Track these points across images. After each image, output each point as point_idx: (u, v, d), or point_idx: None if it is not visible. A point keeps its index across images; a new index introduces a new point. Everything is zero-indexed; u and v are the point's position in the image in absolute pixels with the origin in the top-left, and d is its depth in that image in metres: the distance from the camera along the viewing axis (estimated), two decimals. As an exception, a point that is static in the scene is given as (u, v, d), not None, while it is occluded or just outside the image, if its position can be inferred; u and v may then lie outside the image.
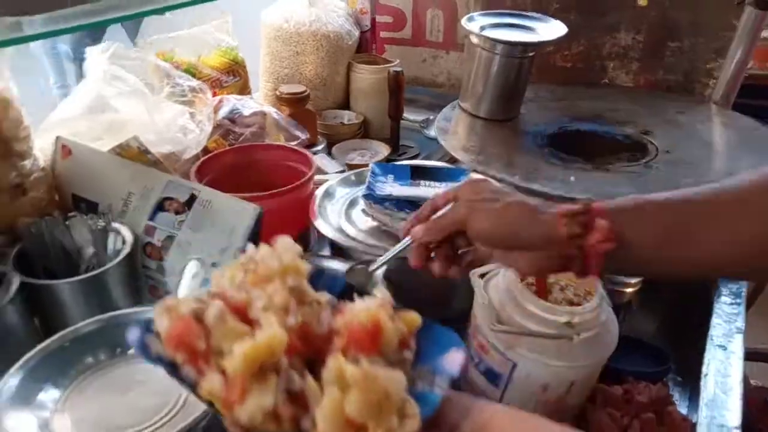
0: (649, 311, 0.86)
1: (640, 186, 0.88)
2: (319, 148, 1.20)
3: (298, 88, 1.17)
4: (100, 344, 0.52)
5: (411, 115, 1.43)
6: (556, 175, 0.93)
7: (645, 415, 0.62)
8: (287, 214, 0.86)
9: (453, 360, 0.29)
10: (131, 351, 0.53)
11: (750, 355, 1.22)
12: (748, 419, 0.59)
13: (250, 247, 0.34)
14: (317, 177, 0.98)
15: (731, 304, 0.75)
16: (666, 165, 0.96)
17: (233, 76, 1.22)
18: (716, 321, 0.72)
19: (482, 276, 0.69)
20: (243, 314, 0.29)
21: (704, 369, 0.66)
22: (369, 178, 0.84)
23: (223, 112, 1.01)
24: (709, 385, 0.62)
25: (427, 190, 0.83)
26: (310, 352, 0.28)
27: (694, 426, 0.62)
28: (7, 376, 0.46)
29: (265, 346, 0.26)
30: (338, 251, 0.81)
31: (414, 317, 0.31)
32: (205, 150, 0.97)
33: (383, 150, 1.24)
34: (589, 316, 0.59)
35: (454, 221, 0.52)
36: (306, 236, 0.91)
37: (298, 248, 0.34)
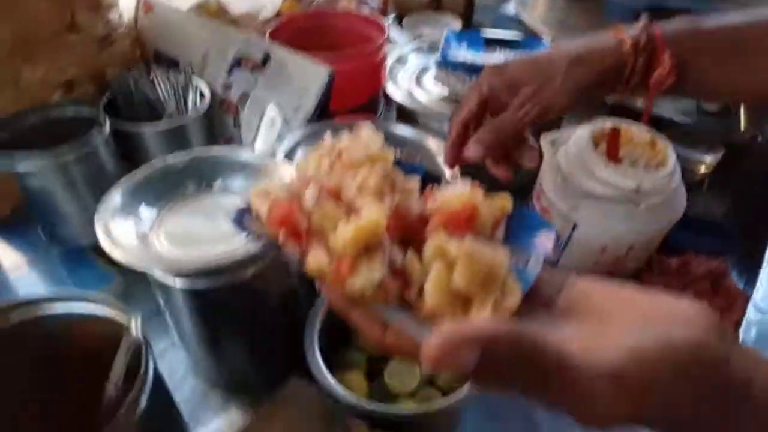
0: (720, 192, 0.83)
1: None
2: (390, 18, 1.17)
3: (371, -46, 1.12)
4: (187, 177, 0.56)
5: (486, -10, 1.35)
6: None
7: (699, 285, 0.63)
8: (358, 79, 0.86)
9: (544, 241, 0.30)
10: (216, 185, 0.57)
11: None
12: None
13: (327, 135, 0.35)
14: (391, 46, 0.97)
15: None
16: None
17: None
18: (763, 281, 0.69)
19: (552, 143, 0.69)
20: (337, 197, 0.30)
21: (772, 248, 0.64)
22: (443, 44, 0.82)
23: (295, -26, 0.99)
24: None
25: (501, 56, 0.81)
26: (404, 234, 0.29)
27: (748, 299, 0.62)
28: (112, 190, 0.52)
29: (370, 224, 0.27)
30: (405, 117, 0.82)
31: (505, 200, 0.31)
32: (279, 14, 0.96)
33: (455, 24, 1.20)
34: (659, 182, 0.58)
35: (472, 87, 0.52)
36: (375, 102, 0.92)
37: (382, 137, 0.35)
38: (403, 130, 0.79)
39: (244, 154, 0.59)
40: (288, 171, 0.57)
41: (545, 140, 0.70)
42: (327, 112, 0.83)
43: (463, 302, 0.26)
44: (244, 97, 0.80)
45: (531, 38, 0.86)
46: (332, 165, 0.32)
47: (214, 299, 0.53)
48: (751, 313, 0.55)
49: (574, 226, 0.61)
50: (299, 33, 0.94)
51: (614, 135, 0.65)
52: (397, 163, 0.33)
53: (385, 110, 0.95)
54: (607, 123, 0.68)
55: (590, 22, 0.99)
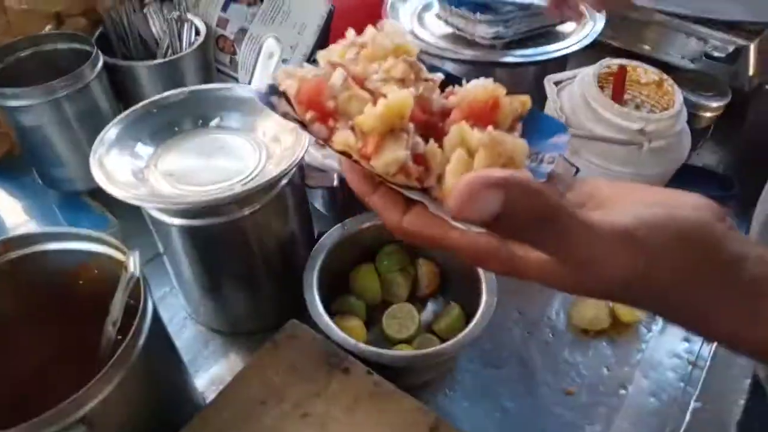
0: (725, 140, 0.82)
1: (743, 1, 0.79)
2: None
3: None
4: (183, 113, 0.55)
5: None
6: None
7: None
8: (357, 15, 0.83)
9: (559, 141, 0.31)
10: (213, 123, 0.56)
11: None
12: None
13: (349, 30, 0.34)
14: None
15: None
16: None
17: None
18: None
19: (556, 84, 0.67)
20: (361, 85, 0.30)
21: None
22: (445, -21, 0.79)
23: None
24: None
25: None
26: (426, 125, 0.29)
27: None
28: (108, 127, 0.51)
29: (398, 105, 0.28)
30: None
31: (526, 99, 0.31)
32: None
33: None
34: (664, 124, 0.57)
35: None
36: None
37: (405, 31, 0.34)
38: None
39: (241, 90, 0.58)
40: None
41: (549, 81, 0.68)
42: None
43: None
44: (241, 33, 0.77)
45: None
46: (357, 56, 0.32)
47: (212, 238, 0.53)
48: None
49: (576, 171, 0.60)
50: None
51: (620, 74, 0.63)
52: (420, 61, 0.33)
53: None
54: (614, 61, 0.67)
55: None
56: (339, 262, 0.60)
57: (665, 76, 0.62)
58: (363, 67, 0.31)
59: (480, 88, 0.29)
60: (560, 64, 0.76)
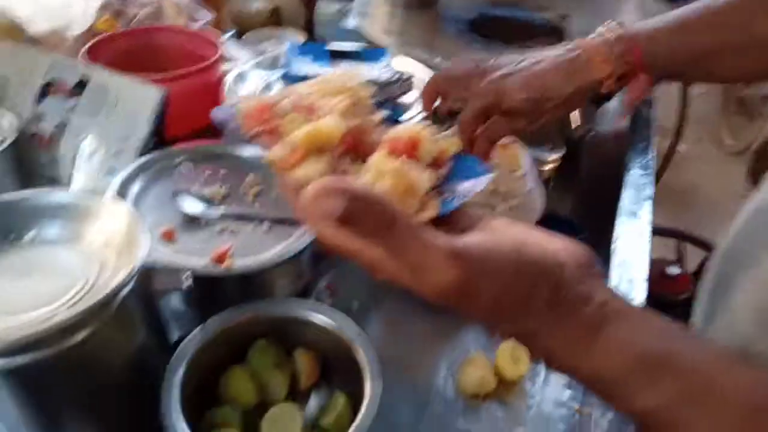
0: (568, 187, 0.89)
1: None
2: (228, 35, 1.10)
3: (200, -34, 1.05)
4: (-12, 231, 0.46)
5: (326, 4, 1.34)
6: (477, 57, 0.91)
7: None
8: (195, 100, 0.79)
9: (475, 184, 0.34)
10: (27, 237, 0.47)
11: (654, 231, 1.33)
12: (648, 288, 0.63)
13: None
14: (228, 66, 0.90)
15: (642, 175, 0.78)
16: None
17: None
18: (627, 191, 0.76)
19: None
20: (310, 113, 0.35)
21: (615, 234, 0.69)
22: (285, 58, 0.78)
23: (113, -12, 0.88)
24: (619, 249, 0.66)
25: (347, 68, 0.79)
26: (359, 153, 0.34)
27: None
28: None
29: (325, 129, 0.33)
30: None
31: (453, 142, 0.35)
32: (95, 33, 0.85)
33: (298, 38, 1.16)
34: (515, 184, 0.59)
35: (486, 106, 0.57)
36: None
37: (364, 78, 0.43)
38: (253, 152, 0.74)
39: (61, 196, 0.50)
40: (121, 210, 0.49)
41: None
42: (163, 139, 0.75)
43: None
44: (60, 128, 0.69)
45: (374, 49, 0.85)
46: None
47: (41, 377, 0.44)
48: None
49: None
50: (122, 53, 0.84)
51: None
52: (379, 102, 0.42)
53: (236, 131, 0.88)
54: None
55: (428, 32, 1.01)
56: (204, 369, 0.53)
57: (510, 138, 0.66)
58: (315, 99, 0.36)
59: (405, 128, 0.34)
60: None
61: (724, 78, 0.67)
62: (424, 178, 0.32)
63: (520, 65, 0.59)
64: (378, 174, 0.31)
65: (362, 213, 0.25)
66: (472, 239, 0.28)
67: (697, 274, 1.24)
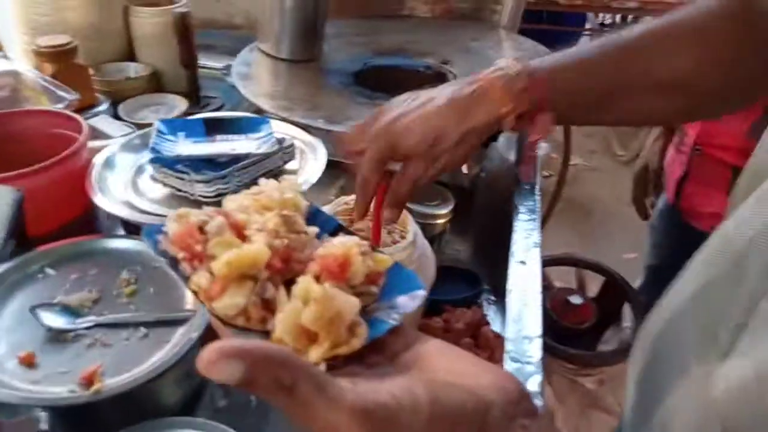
0: (461, 237, 0.90)
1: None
2: (101, 108, 1.03)
3: (61, 39, 0.98)
4: None
5: (210, 62, 1.30)
6: (361, 113, 0.91)
7: (463, 341, 0.65)
8: (60, 193, 0.73)
9: (409, 301, 0.34)
10: None
11: (552, 262, 1.37)
12: (552, 320, 0.64)
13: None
14: (100, 143, 0.84)
15: (528, 220, 0.80)
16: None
17: (-29, 29, 0.99)
18: (516, 237, 0.77)
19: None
20: (240, 232, 0.34)
21: (509, 285, 0.70)
22: (154, 138, 0.74)
23: (-43, 75, 0.81)
24: (513, 301, 0.66)
25: (225, 145, 0.75)
26: (289, 272, 0.33)
27: (503, 341, 0.66)
28: None
29: (248, 256, 0.31)
30: (133, 228, 0.71)
31: (385, 259, 0.35)
32: (-61, 126, 0.77)
33: (181, 104, 1.12)
34: (403, 254, 0.58)
35: (381, 152, 0.54)
36: (91, 214, 0.79)
37: (301, 187, 0.40)
38: (128, 244, 0.69)
39: None
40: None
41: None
42: (24, 241, 0.68)
43: (309, 337, 0.30)
44: None
45: (256, 118, 0.83)
46: (249, 204, 0.37)
47: None
48: (507, 363, 0.57)
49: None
50: (-28, 147, 0.76)
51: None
52: (315, 212, 0.39)
53: (109, 220, 0.82)
54: (350, 198, 0.68)
55: (312, 89, 1.00)
56: None
57: None
58: (246, 216, 0.35)
59: (335, 246, 0.33)
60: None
61: (622, 120, 0.67)
62: (351, 305, 0.31)
63: (413, 104, 0.56)
64: (303, 302, 0.30)
65: (261, 376, 0.24)
66: (383, 391, 0.26)
67: (599, 299, 1.29)
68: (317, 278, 0.32)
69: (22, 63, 0.93)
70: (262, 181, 0.40)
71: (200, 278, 0.32)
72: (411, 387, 0.27)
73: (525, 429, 0.28)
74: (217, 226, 0.34)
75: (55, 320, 0.57)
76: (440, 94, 0.56)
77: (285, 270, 0.33)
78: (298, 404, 0.25)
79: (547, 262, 0.73)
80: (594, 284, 1.37)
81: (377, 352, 0.31)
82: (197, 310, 0.59)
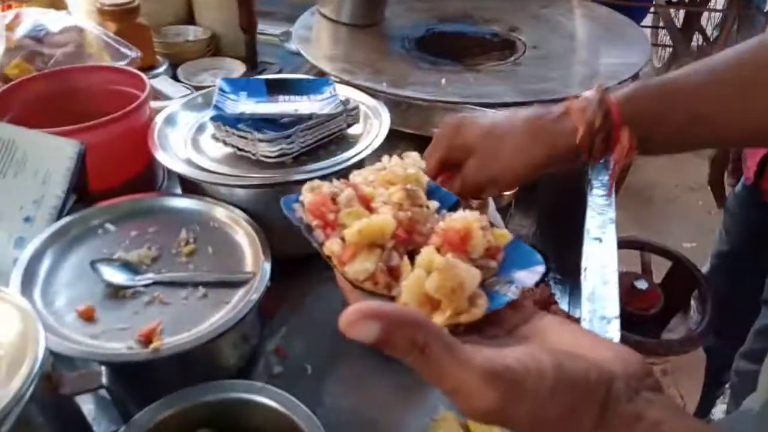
0: (528, 213, 0.85)
1: (512, 82, 0.84)
2: (161, 70, 1.03)
3: (124, -2, 0.98)
4: None
5: (269, 28, 1.28)
6: (426, 79, 0.86)
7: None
8: (121, 149, 0.72)
9: (528, 276, 0.35)
10: None
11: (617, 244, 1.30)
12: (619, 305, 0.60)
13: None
14: (160, 104, 0.83)
15: (602, 195, 0.74)
16: (534, 60, 0.93)
17: (38, -14, 0.99)
18: (590, 214, 0.71)
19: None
20: (367, 204, 0.37)
21: (583, 263, 0.65)
22: (216, 96, 0.71)
23: (23, 29, 0.80)
24: (588, 279, 0.62)
25: (287, 105, 0.72)
26: (412, 243, 0.36)
27: (577, 320, 0.61)
28: None
29: (377, 226, 0.34)
30: (191, 187, 0.70)
31: (504, 234, 0.36)
32: (5, 79, 0.78)
33: (239, 68, 1.10)
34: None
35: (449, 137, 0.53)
36: (151, 172, 0.78)
37: (423, 164, 0.43)
38: (188, 203, 0.67)
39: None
40: (12, 305, 0.42)
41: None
42: (86, 196, 0.67)
43: (432, 305, 0.32)
44: (-39, 195, 0.61)
45: (316, 79, 0.79)
46: (375, 179, 0.40)
47: None
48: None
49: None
50: (37, 100, 0.76)
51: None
52: (435, 188, 0.42)
53: (168, 178, 0.81)
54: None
55: (374, 54, 0.96)
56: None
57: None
58: (372, 190, 0.38)
59: (456, 220, 0.35)
60: (359, 167, 0.72)
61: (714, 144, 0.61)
62: (472, 275, 0.32)
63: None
64: (427, 271, 0.32)
65: (396, 336, 0.26)
66: (510, 356, 0.27)
67: (664, 284, 1.22)
68: (439, 250, 0.34)
69: (87, 21, 0.92)
70: (385, 158, 0.43)
71: (333, 245, 0.35)
72: (534, 354, 0.27)
73: (650, 402, 0.27)
74: (348, 197, 0.37)
75: (115, 276, 0.56)
76: (517, 114, 0.55)
77: (408, 240, 0.36)
78: (430, 364, 0.26)
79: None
80: (658, 270, 1.29)
81: (495, 326, 0.32)
82: (256, 273, 0.57)
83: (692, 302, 1.26)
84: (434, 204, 0.39)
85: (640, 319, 1.10)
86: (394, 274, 0.35)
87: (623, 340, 1.06)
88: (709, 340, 1.19)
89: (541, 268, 0.35)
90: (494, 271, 0.35)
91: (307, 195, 0.38)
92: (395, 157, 0.42)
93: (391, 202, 0.37)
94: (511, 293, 0.33)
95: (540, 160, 0.52)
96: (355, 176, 0.41)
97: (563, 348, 0.28)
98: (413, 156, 0.44)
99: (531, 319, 0.32)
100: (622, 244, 1.34)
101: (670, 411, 0.28)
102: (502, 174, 0.53)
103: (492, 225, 0.37)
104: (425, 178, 0.41)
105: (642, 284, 1.14)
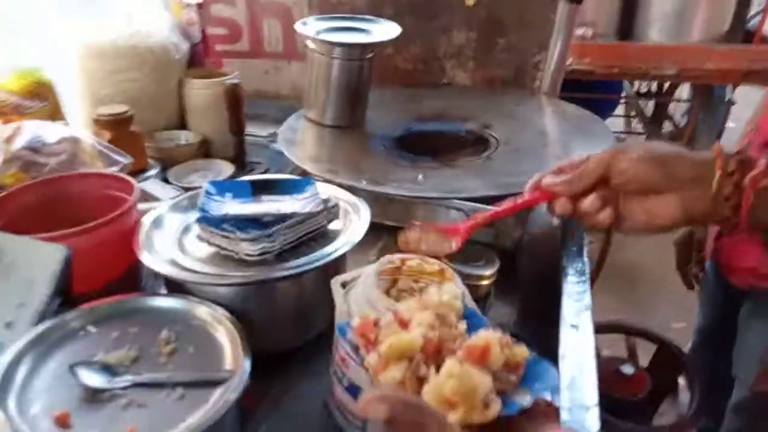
0: (506, 300, 0.86)
1: (486, 177, 0.89)
2: (152, 173, 1.07)
3: (118, 109, 1.04)
4: None
5: (257, 130, 1.35)
6: (404, 176, 0.91)
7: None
8: (108, 252, 0.74)
9: (545, 388, 0.42)
10: None
11: (600, 329, 1.30)
12: (603, 390, 0.60)
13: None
14: (148, 206, 0.86)
15: (577, 282, 0.76)
16: (506, 155, 0.98)
17: (39, 100, 1.06)
18: (566, 301, 0.73)
19: (343, 286, 0.64)
20: (405, 325, 0.45)
21: (561, 351, 0.65)
22: (202, 198, 0.75)
23: (22, 140, 0.85)
24: (566, 368, 0.62)
25: (270, 205, 0.76)
26: (441, 358, 0.42)
27: (558, 410, 0.61)
28: None
29: (404, 341, 0.41)
30: (175, 286, 0.71)
31: (522, 351, 0.43)
32: (1, 188, 0.81)
33: (227, 169, 1.15)
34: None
35: (598, 163, 0.53)
36: (136, 272, 0.79)
37: (458, 292, 0.52)
38: (170, 302, 0.68)
39: None
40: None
41: (335, 284, 0.65)
42: (69, 298, 0.69)
43: (450, 407, 0.38)
44: (-53, 302, 0.62)
45: (301, 180, 0.83)
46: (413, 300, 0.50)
47: None
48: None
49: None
50: (31, 207, 0.79)
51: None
52: (471, 313, 0.51)
53: (153, 279, 0.83)
54: (395, 257, 0.66)
55: (356, 154, 1.01)
56: None
57: (444, 265, 0.66)
58: (410, 313, 0.46)
59: (481, 337, 0.42)
60: (340, 261, 0.74)
61: None
62: (484, 381, 0.38)
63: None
64: (447, 377, 0.38)
65: (400, 416, 0.32)
66: None
67: (651, 368, 1.21)
68: (462, 363, 0.40)
69: (82, 131, 0.97)
70: (432, 289, 0.52)
71: (371, 359, 0.42)
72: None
73: None
74: (387, 321, 0.45)
75: (93, 379, 0.56)
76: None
77: (438, 355, 0.42)
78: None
79: (595, 329, 0.68)
80: (645, 353, 1.29)
81: (505, 428, 0.38)
82: (235, 371, 0.58)
83: (680, 383, 1.25)
84: (462, 326, 0.46)
85: (628, 404, 1.08)
86: (422, 382, 0.40)
87: (613, 427, 1.04)
88: (701, 423, 1.17)
89: (553, 381, 0.43)
90: (514, 385, 0.42)
91: (355, 320, 0.47)
92: (434, 287, 0.52)
93: (425, 323, 0.44)
94: (524, 402, 0.40)
95: (699, 207, 0.52)
96: (400, 305, 0.49)
97: None
98: (450, 288, 0.53)
99: (545, 424, 0.37)
100: (606, 328, 1.34)
101: None
102: (663, 216, 0.53)
103: (514, 341, 0.44)
104: (459, 305, 0.49)
105: (628, 369, 1.13)
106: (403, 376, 0.40)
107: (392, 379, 0.40)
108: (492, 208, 0.62)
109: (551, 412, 0.44)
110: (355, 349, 0.45)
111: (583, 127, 1.09)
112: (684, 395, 1.21)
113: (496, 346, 0.41)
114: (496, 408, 0.39)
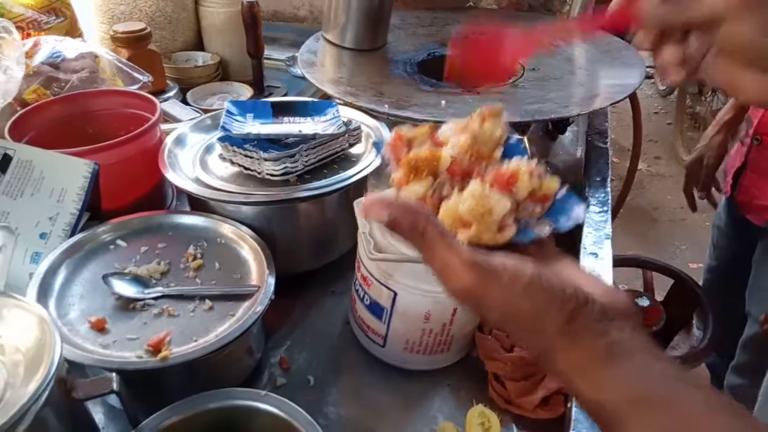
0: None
1: (511, 103, 0.87)
2: (170, 94, 1.06)
3: (136, 26, 1.02)
4: None
5: (275, 54, 1.32)
6: (427, 100, 0.89)
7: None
8: (133, 168, 0.75)
9: (567, 220, 0.38)
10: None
11: (619, 262, 1.31)
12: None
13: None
14: (170, 126, 0.86)
15: (599, 212, 0.76)
16: (532, 82, 0.96)
17: (55, 15, 1.03)
18: (587, 230, 0.73)
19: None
20: (439, 145, 0.41)
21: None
22: (224, 118, 0.74)
23: (41, 56, 0.84)
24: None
25: (292, 126, 0.75)
26: (469, 182, 0.38)
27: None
28: None
29: (424, 155, 0.39)
30: (199, 204, 0.72)
31: (551, 183, 0.39)
32: (23, 104, 0.81)
33: (246, 92, 1.14)
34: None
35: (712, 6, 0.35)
36: (161, 191, 0.80)
37: (501, 119, 0.44)
38: (196, 220, 0.70)
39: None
40: (31, 312, 0.44)
41: (357, 205, 0.65)
42: (99, 214, 0.70)
43: (464, 226, 0.36)
44: (-20, 213, 0.64)
45: (319, 102, 0.82)
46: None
47: None
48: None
49: (395, 296, 0.57)
50: (53, 123, 0.80)
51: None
52: (515, 145, 0.44)
53: (178, 197, 0.84)
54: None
55: (376, 77, 0.99)
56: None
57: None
58: (447, 135, 0.42)
59: (512, 164, 0.39)
60: (360, 185, 0.74)
61: None
62: (502, 204, 0.36)
63: None
64: (465, 197, 0.37)
65: (401, 220, 0.32)
66: (499, 258, 0.31)
67: (667, 302, 1.23)
68: (485, 185, 0.38)
69: (100, 48, 0.96)
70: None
71: (397, 173, 0.40)
72: (522, 261, 0.31)
73: (620, 330, 0.30)
74: (421, 138, 0.42)
75: (126, 289, 0.58)
76: None
77: (466, 178, 0.40)
78: (426, 245, 0.32)
79: (614, 263, 0.69)
80: (661, 288, 1.30)
81: (518, 256, 0.34)
82: (261, 287, 0.59)
83: (694, 319, 1.27)
84: (498, 153, 0.42)
85: (641, 335, 1.10)
86: (442, 199, 0.39)
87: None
88: (711, 356, 1.19)
89: (577, 215, 0.39)
90: (538, 214, 0.39)
91: (389, 135, 0.44)
92: (478, 110, 0.44)
93: (459, 143, 0.41)
94: (541, 232, 0.37)
95: None
96: (444, 128, 0.44)
97: (549, 268, 0.32)
98: (493, 107, 0.45)
99: (551, 262, 0.35)
100: (624, 262, 1.35)
101: (639, 342, 0.30)
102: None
103: (548, 172, 0.40)
104: (498, 133, 0.44)
105: (644, 302, 1.15)
106: (425, 192, 0.38)
107: (414, 193, 0.38)
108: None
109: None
110: (384, 164, 0.42)
111: (612, 54, 1.05)
112: (697, 330, 1.23)
113: (525, 174, 0.38)
114: (509, 234, 0.36)
